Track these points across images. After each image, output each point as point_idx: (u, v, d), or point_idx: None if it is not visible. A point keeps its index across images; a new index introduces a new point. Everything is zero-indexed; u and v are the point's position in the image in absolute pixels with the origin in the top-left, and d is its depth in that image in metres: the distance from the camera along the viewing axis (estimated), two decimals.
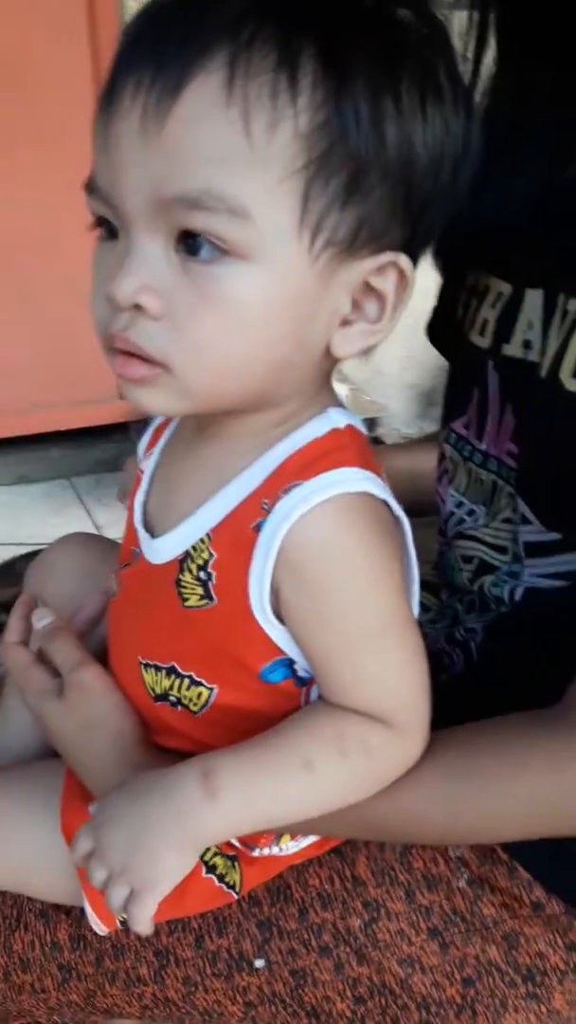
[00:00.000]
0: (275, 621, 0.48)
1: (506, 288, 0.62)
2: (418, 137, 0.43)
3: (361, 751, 0.48)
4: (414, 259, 0.47)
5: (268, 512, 0.46)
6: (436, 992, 0.59)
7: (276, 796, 0.48)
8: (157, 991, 0.60)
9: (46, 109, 2.18)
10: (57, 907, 0.63)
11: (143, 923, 0.47)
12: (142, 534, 0.55)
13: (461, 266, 0.67)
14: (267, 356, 0.45)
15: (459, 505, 0.68)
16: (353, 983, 0.59)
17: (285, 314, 0.44)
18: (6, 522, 2.36)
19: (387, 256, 0.44)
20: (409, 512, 0.51)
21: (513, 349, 0.60)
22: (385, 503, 0.48)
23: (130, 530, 0.57)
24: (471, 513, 0.67)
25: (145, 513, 0.57)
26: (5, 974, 0.62)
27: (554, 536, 0.57)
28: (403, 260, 0.45)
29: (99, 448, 2.72)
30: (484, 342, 0.63)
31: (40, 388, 2.07)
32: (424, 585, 0.73)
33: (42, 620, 0.62)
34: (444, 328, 0.71)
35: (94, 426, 2.64)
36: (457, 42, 0.51)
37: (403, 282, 0.46)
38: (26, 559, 2.02)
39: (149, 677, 0.55)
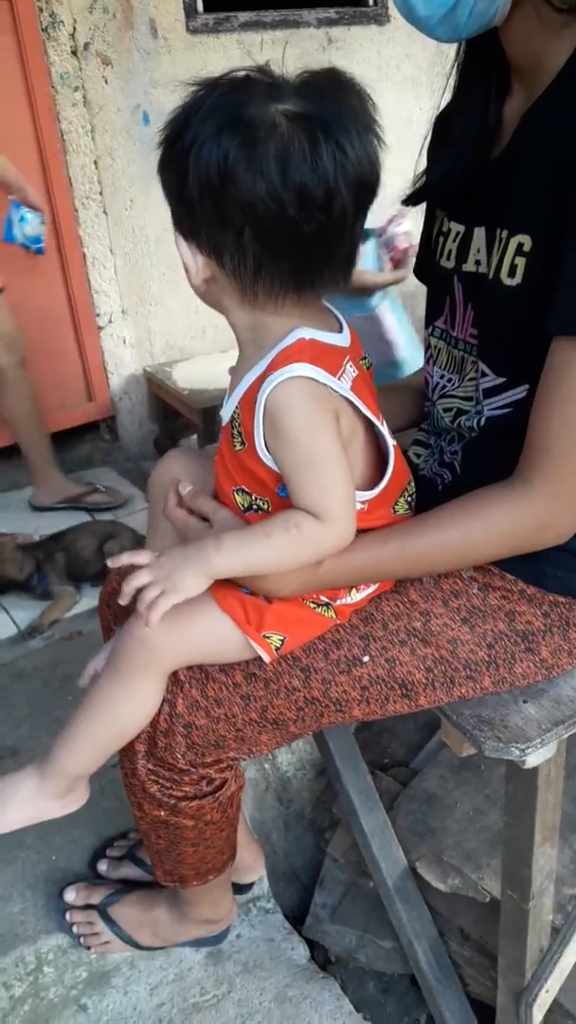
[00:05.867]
0: (267, 454, 0.82)
1: (460, 228, 0.97)
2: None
3: (296, 530, 0.82)
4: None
5: (259, 390, 0.79)
6: (473, 656, 0.96)
7: (250, 551, 0.83)
8: (306, 694, 0.96)
9: None
10: (229, 664, 0.97)
11: (156, 617, 0.83)
12: (223, 409, 0.90)
13: (431, 214, 1.05)
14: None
15: (441, 376, 1.05)
16: (423, 659, 0.96)
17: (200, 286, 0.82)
18: (6, 522, 2.62)
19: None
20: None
21: (469, 267, 0.96)
22: (323, 383, 0.78)
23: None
24: (450, 380, 1.04)
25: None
26: (207, 712, 0.97)
27: (501, 380, 0.94)
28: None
29: (77, 447, 3.02)
30: (450, 264, 0.99)
31: None
32: (417, 442, 1.12)
33: (186, 489, 0.98)
34: (425, 262, 1.09)
35: (68, 428, 2.94)
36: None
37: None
38: (53, 539, 2.31)
39: (239, 498, 0.90)
